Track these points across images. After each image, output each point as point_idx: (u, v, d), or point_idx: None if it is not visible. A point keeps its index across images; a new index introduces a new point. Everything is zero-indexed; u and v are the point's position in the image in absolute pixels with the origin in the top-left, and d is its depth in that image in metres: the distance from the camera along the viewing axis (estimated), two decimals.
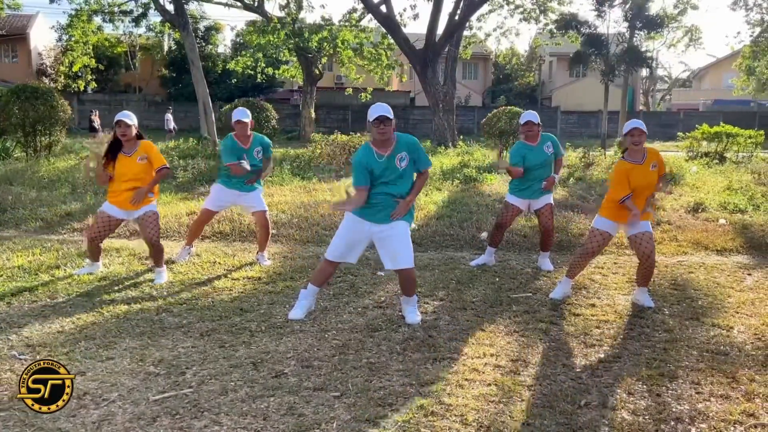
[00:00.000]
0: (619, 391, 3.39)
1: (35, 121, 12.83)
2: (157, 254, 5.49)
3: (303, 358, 3.77)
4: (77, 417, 3.02)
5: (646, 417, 3.11)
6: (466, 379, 3.50)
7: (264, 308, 4.74)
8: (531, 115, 5.93)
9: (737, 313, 4.79)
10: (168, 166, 5.46)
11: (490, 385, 3.44)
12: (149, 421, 2.99)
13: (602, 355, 3.91)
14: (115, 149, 5.31)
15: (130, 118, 5.30)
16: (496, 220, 6.29)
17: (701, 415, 3.13)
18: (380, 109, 4.23)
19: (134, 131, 5.32)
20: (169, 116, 25.57)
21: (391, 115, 4.23)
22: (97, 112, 22.68)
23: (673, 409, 3.19)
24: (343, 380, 3.46)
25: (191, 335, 4.15)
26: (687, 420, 3.09)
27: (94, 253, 5.63)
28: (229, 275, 5.69)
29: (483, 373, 3.60)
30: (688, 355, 3.92)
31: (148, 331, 4.21)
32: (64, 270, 5.66)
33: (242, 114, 5.87)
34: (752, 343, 4.15)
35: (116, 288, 5.22)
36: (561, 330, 4.37)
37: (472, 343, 4.06)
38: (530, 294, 5.24)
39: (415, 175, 4.45)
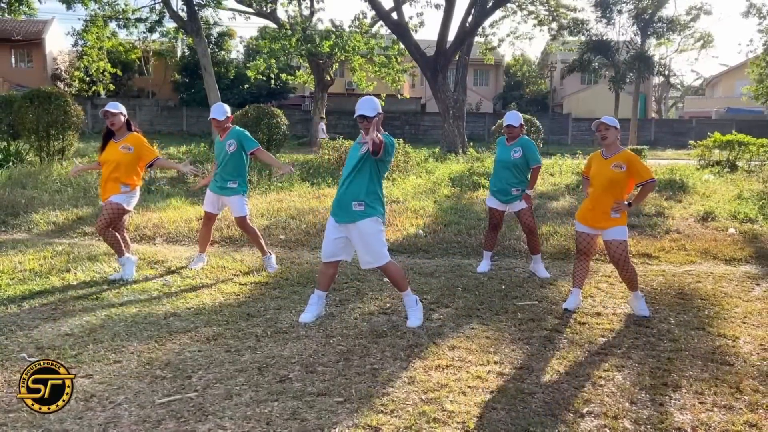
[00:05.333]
0: (621, 400, 3.39)
1: (48, 125, 13.02)
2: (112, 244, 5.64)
3: (307, 363, 3.80)
4: (84, 419, 3.07)
5: (648, 426, 3.11)
6: (469, 387, 3.51)
7: (270, 313, 4.78)
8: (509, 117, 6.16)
9: (744, 323, 4.77)
10: (159, 156, 5.75)
11: (492, 392, 3.45)
12: (154, 424, 3.03)
13: (606, 364, 3.90)
14: (107, 139, 5.64)
15: (115, 107, 5.52)
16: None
17: (704, 426, 3.13)
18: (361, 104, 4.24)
19: (122, 119, 5.54)
20: (322, 126, 24.49)
21: (370, 113, 4.19)
22: (325, 120, 22.23)
23: (676, 419, 3.18)
24: (346, 386, 3.49)
25: (198, 339, 4.19)
26: (689, 430, 3.08)
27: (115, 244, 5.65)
28: (236, 280, 5.74)
29: (486, 380, 3.61)
30: (693, 364, 3.91)
31: (155, 335, 4.26)
32: (75, 274, 5.73)
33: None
34: (758, 353, 4.13)
35: (125, 292, 5.28)
36: (566, 338, 4.38)
37: (477, 351, 4.07)
38: (536, 302, 5.25)
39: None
